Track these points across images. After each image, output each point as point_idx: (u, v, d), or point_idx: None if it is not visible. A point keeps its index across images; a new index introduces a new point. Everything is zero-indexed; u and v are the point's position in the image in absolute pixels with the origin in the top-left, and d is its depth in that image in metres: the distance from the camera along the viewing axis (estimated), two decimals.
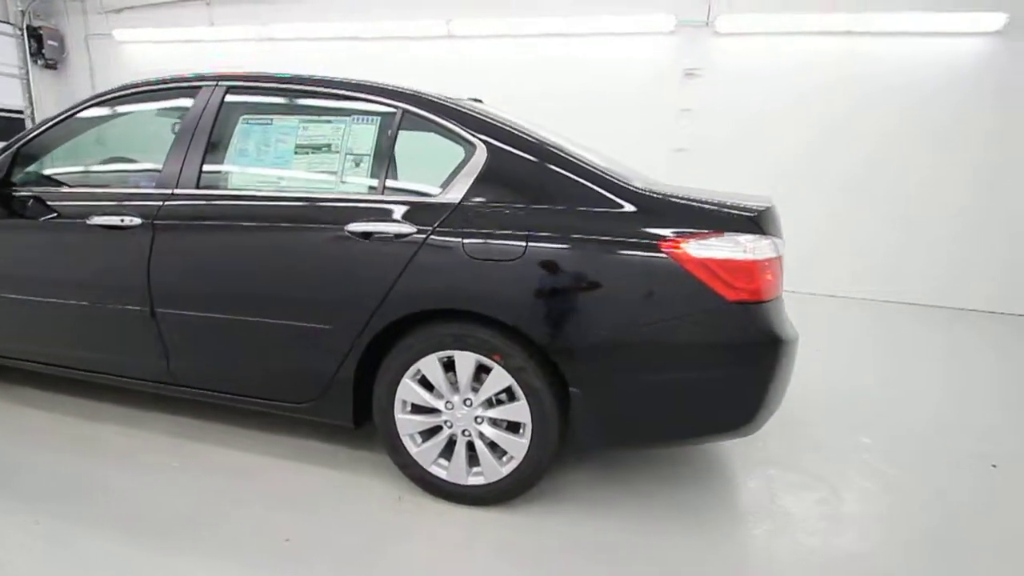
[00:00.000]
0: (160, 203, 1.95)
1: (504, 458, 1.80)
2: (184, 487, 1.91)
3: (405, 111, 1.87)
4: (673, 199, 1.71)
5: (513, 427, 1.79)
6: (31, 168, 2.29)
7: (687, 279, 1.59)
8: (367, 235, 1.76)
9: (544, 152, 1.78)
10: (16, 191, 2.20)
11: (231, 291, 1.91)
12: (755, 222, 1.67)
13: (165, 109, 2.22)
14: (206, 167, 1.98)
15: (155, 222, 1.94)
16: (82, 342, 2.17)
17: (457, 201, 1.75)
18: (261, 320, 1.89)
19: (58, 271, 2.12)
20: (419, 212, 1.75)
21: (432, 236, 1.70)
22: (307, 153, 1.91)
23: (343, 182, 1.87)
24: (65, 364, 2.26)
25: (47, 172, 2.31)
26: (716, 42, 5.29)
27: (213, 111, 2.00)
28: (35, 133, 2.22)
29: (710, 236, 1.62)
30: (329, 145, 1.90)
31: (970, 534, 1.84)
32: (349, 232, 1.76)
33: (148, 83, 2.14)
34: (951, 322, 4.65)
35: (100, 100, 2.18)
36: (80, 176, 2.44)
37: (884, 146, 5.02)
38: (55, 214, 2.11)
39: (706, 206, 1.70)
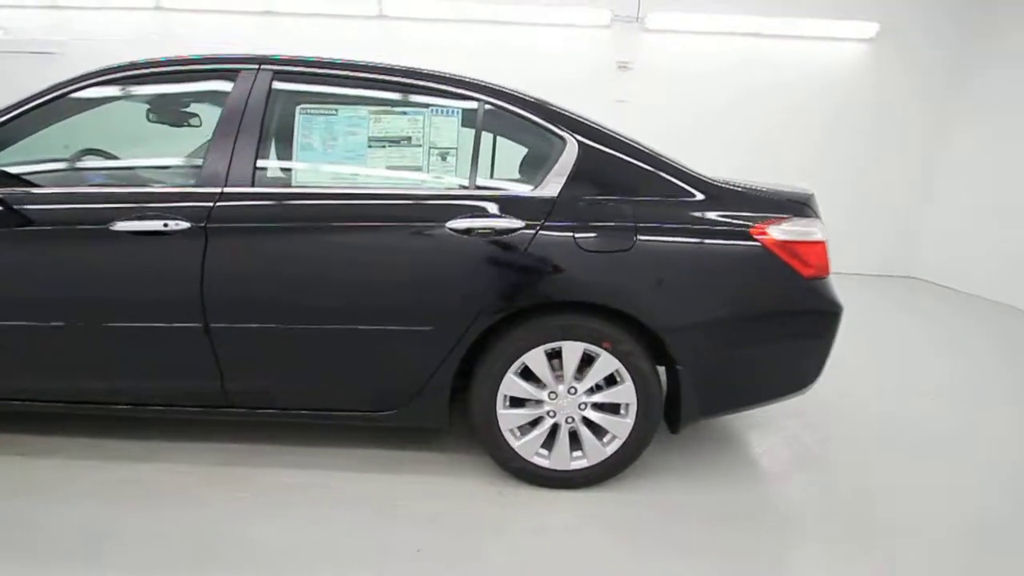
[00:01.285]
0: (211, 204, 1.71)
1: (605, 439, 1.88)
2: (271, 516, 1.73)
3: (488, 104, 1.83)
4: (737, 188, 1.89)
5: (612, 408, 1.87)
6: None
7: (773, 260, 1.79)
8: (468, 231, 1.72)
9: (625, 146, 1.86)
10: None
11: (307, 299, 1.75)
12: (810, 207, 1.92)
13: (185, 94, 1.93)
14: (261, 162, 1.77)
15: (208, 226, 1.70)
16: (108, 370, 1.84)
17: (555, 195, 1.77)
18: (345, 327, 1.76)
19: (65, 289, 1.76)
20: (519, 207, 1.75)
21: (541, 231, 1.72)
22: (383, 147, 1.80)
23: (429, 177, 1.79)
24: (77, 399, 1.89)
25: (15, 169, 1.89)
26: (646, 38, 5.66)
27: (261, 99, 1.79)
28: (3, 118, 1.80)
29: (783, 221, 1.83)
30: (409, 138, 1.80)
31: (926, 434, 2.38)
32: (451, 229, 1.71)
33: (162, 62, 1.84)
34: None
35: (98, 80, 1.82)
36: (69, 175, 2.02)
37: (791, 136, 5.77)
38: (48, 220, 1.74)
39: (767, 194, 1.91)
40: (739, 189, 1.89)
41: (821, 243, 1.85)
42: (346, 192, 1.77)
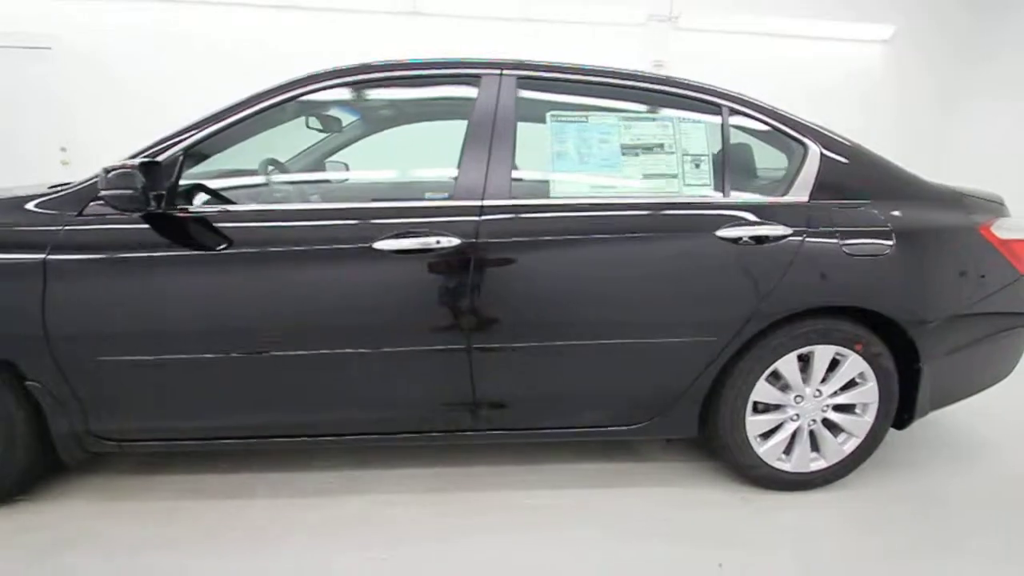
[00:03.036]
0: (475, 218, 1.61)
1: (840, 439, 1.92)
2: (536, 541, 1.66)
3: (731, 110, 1.82)
4: (950, 189, 1.97)
5: (847, 409, 1.91)
6: (197, 173, 1.67)
7: (998, 258, 1.88)
8: (737, 240, 1.70)
9: (857, 151, 1.90)
10: (188, 210, 1.59)
11: (573, 315, 1.68)
12: (1006, 207, 2.03)
13: (421, 100, 1.80)
14: (516, 173, 1.68)
15: (477, 241, 1.60)
16: (350, 400, 1.70)
17: (807, 202, 1.79)
18: (610, 342, 1.70)
19: (318, 314, 1.60)
20: (779, 213, 1.75)
21: (808, 238, 1.72)
22: (636, 154, 1.74)
23: (686, 185, 1.76)
24: (298, 433, 1.75)
25: (224, 184, 1.70)
26: (679, 37, 5.75)
27: (510, 106, 1.69)
28: (215, 128, 1.61)
29: (996, 221, 1.92)
30: (661, 145, 1.76)
31: None
32: (720, 238, 1.69)
33: (398, 66, 1.71)
34: None
35: (329, 83, 1.66)
36: (287, 188, 1.83)
37: None
38: (286, 240, 1.59)
39: (976, 195, 2.00)
40: (953, 190, 1.97)
41: None
42: (608, 202, 1.71)
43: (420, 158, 1.87)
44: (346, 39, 5.60)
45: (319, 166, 2.19)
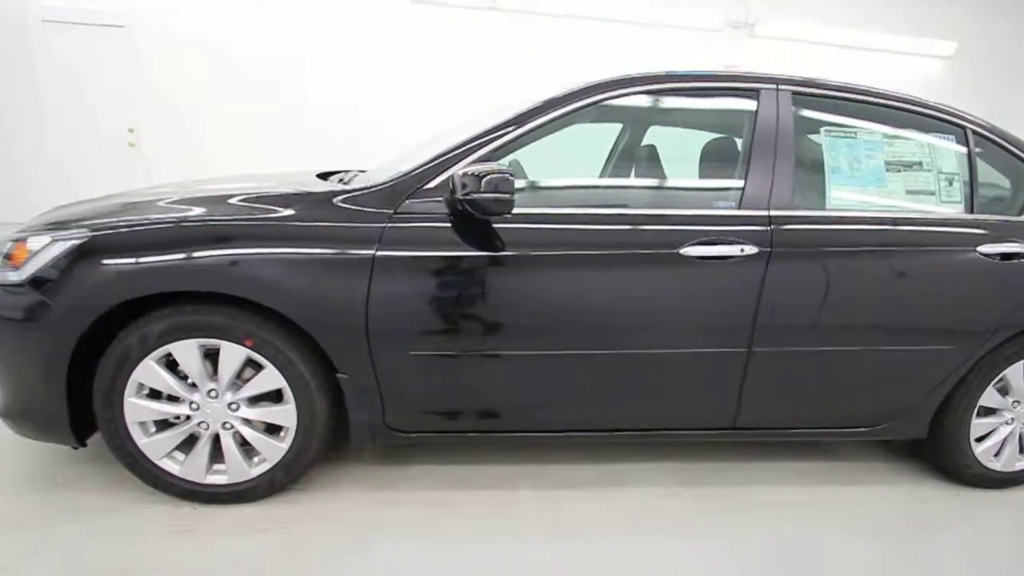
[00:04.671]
0: (766, 228, 1.69)
1: None
2: (788, 538, 1.77)
3: (974, 132, 1.93)
4: None
5: None
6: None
7: None
8: (992, 256, 1.82)
9: None
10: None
11: (850, 320, 1.78)
12: None
13: (701, 111, 1.88)
14: (798, 185, 1.77)
15: (772, 250, 1.68)
16: (628, 397, 1.78)
17: None
18: (876, 348, 1.81)
19: (618, 315, 1.67)
20: (1021, 232, 1.87)
21: None
22: (898, 171, 1.84)
23: (942, 202, 1.87)
24: (579, 428, 1.83)
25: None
26: (753, 44, 5.88)
27: (789, 120, 1.77)
28: (520, 132, 1.66)
29: None
30: (920, 163, 1.86)
31: None
32: (981, 254, 1.81)
33: (681, 77, 1.78)
34: None
35: (623, 91, 1.73)
36: (581, 192, 1.90)
37: None
38: (591, 243, 1.66)
39: None
40: None
41: None
42: (880, 216, 1.80)
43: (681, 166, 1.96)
44: (421, 31, 5.59)
45: None
